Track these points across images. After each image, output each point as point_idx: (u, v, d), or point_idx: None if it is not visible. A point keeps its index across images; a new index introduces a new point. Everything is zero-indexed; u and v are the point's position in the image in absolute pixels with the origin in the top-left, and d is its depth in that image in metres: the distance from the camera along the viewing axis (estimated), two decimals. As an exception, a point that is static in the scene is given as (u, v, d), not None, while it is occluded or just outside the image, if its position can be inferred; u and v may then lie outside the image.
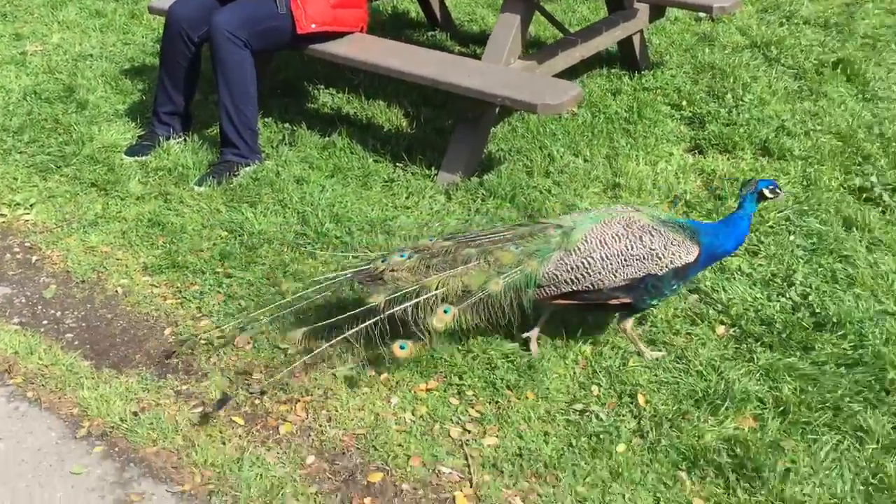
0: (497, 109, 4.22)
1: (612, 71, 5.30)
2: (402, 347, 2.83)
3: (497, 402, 2.89)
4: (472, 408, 2.88)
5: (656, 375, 2.98)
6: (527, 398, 2.89)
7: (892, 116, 4.63)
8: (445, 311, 2.78)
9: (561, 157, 4.36)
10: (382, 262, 2.92)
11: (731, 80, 5.03)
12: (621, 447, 2.69)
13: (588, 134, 4.58)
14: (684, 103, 4.89)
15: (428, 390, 2.94)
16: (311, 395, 2.93)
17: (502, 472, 2.64)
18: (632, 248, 2.81)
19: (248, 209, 3.90)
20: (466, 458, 2.68)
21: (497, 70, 4.08)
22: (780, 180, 4.13)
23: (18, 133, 4.58)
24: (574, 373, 3.00)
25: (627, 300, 2.89)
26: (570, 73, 4.88)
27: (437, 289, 2.78)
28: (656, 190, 4.11)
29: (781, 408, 2.78)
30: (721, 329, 3.18)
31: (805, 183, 4.11)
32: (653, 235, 2.84)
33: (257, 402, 2.90)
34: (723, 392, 2.84)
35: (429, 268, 2.84)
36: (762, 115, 4.70)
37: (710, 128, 4.60)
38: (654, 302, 2.95)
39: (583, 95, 4.27)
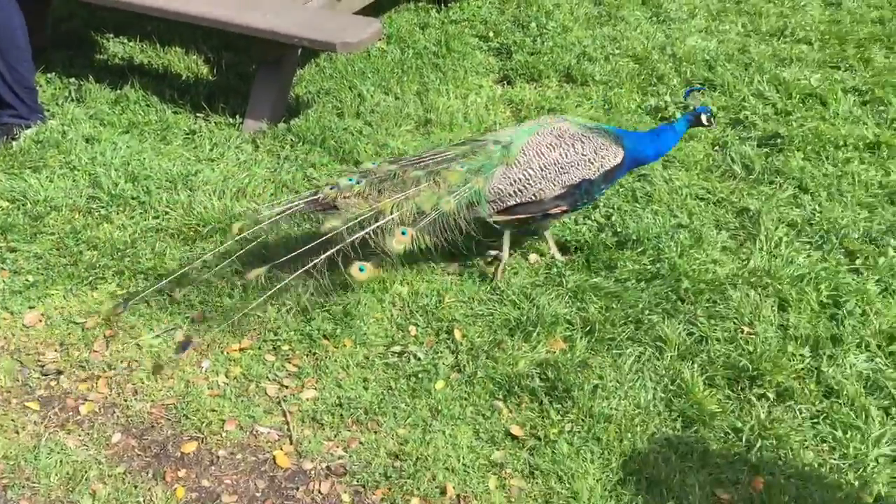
0: (300, 50, 4.05)
1: (420, 4, 5.22)
2: (361, 270, 2.81)
3: (314, 353, 2.83)
4: (289, 362, 2.80)
5: (472, 309, 3.01)
6: (345, 346, 2.85)
7: (683, 36, 4.84)
8: (403, 233, 2.81)
9: (371, 96, 4.27)
10: (331, 189, 2.89)
11: (535, 9, 5.08)
12: (440, 384, 2.71)
13: (398, 71, 4.50)
14: (491, 34, 4.89)
15: (241, 350, 2.83)
16: (115, 368, 2.75)
17: (322, 424, 2.59)
18: (566, 156, 2.93)
19: (32, 175, 3.56)
20: (285, 415, 2.62)
21: (293, 9, 3.90)
22: (583, 106, 4.24)
23: None
24: (391, 315, 2.98)
25: (564, 207, 3.00)
26: (376, 9, 4.75)
27: (392, 212, 2.80)
28: (468, 123, 4.11)
29: (588, 327, 2.89)
30: (533, 256, 3.25)
31: (606, 106, 4.24)
32: (583, 142, 2.97)
33: (53, 383, 2.69)
34: (534, 318, 2.91)
35: (380, 192, 2.85)
36: (565, 42, 4.78)
37: (516, 58, 4.63)
38: (586, 206, 3.13)
39: (382, 31, 4.17)
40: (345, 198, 2.84)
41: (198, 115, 4.06)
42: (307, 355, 2.83)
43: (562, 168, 2.93)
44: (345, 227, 2.76)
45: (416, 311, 2.99)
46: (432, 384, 2.71)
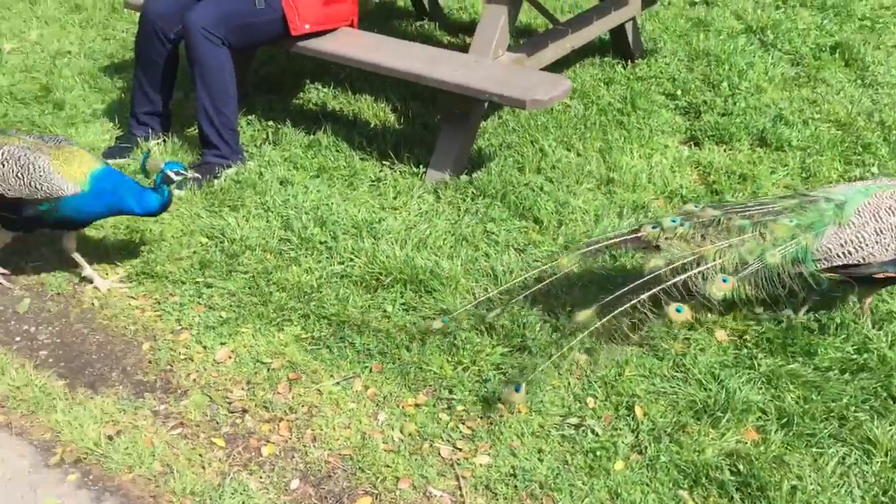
0: (486, 104, 4.08)
1: (605, 59, 5.16)
2: (678, 310, 2.84)
3: (489, 417, 2.77)
4: (463, 424, 2.76)
5: (654, 385, 2.86)
6: (519, 412, 2.78)
7: (893, 102, 4.50)
8: (724, 280, 2.82)
9: (553, 151, 4.22)
10: (653, 227, 2.96)
11: (727, 68, 4.89)
12: (619, 465, 2.58)
13: (580, 127, 4.44)
14: (679, 92, 4.75)
15: (416, 405, 2.82)
16: (296, 412, 2.81)
17: (496, 493, 2.52)
18: None
19: (230, 213, 3.76)
20: (458, 479, 2.57)
21: (484, 64, 3.94)
22: (777, 173, 4.01)
23: (-8, 137, 4.43)
24: (569, 383, 2.89)
25: (893, 274, 2.87)
26: (561, 63, 4.74)
27: (714, 259, 2.83)
28: (652, 185, 3.98)
29: (784, 419, 2.67)
30: (721, 333, 3.06)
31: (804, 175, 3.99)
32: None
33: (239, 421, 2.78)
34: (723, 402, 2.72)
35: (703, 237, 2.89)
36: (759, 103, 4.56)
37: (705, 118, 4.46)
38: None
39: (572, 89, 4.13)
40: (666, 238, 2.87)
41: (384, 162, 4.16)
42: (481, 418, 2.77)
43: None
44: (667, 268, 2.78)
45: (595, 382, 2.88)
46: (611, 464, 2.58)
